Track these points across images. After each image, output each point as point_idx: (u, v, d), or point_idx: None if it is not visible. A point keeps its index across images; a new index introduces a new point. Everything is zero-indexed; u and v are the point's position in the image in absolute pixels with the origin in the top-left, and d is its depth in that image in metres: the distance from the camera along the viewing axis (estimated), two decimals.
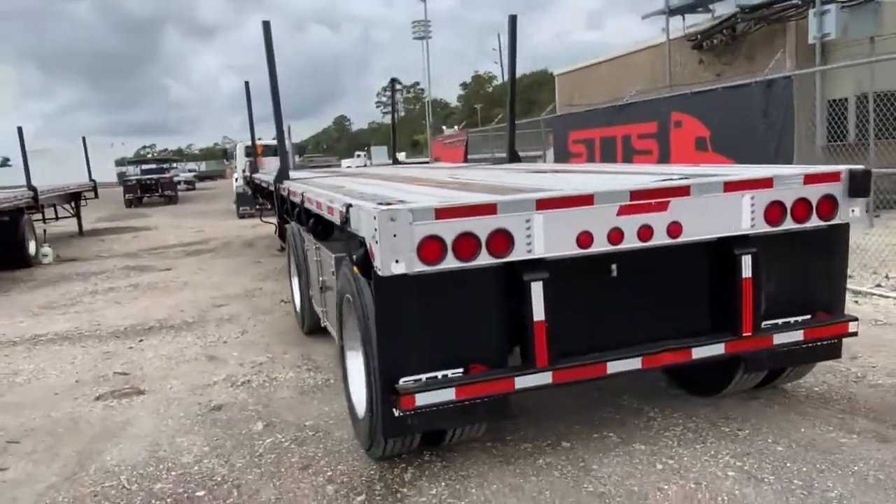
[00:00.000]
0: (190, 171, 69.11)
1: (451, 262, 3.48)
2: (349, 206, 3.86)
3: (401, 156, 60.87)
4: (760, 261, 4.10)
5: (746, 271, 4.04)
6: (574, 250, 3.69)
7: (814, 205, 4.08)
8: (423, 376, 3.64)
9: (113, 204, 32.21)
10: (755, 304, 4.08)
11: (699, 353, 4.06)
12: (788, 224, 4.06)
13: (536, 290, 3.67)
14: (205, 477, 4.13)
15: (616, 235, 3.74)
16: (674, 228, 3.83)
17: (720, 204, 3.92)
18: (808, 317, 4.28)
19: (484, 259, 3.54)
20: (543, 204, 3.62)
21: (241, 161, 28.39)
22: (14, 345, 7.69)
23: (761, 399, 4.76)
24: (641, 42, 20.79)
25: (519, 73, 11.54)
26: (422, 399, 3.56)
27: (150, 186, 34.66)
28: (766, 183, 4.00)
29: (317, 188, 6.08)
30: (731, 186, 3.94)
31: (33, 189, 15.18)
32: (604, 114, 13.10)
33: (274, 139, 30.95)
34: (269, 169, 22.36)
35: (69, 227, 20.44)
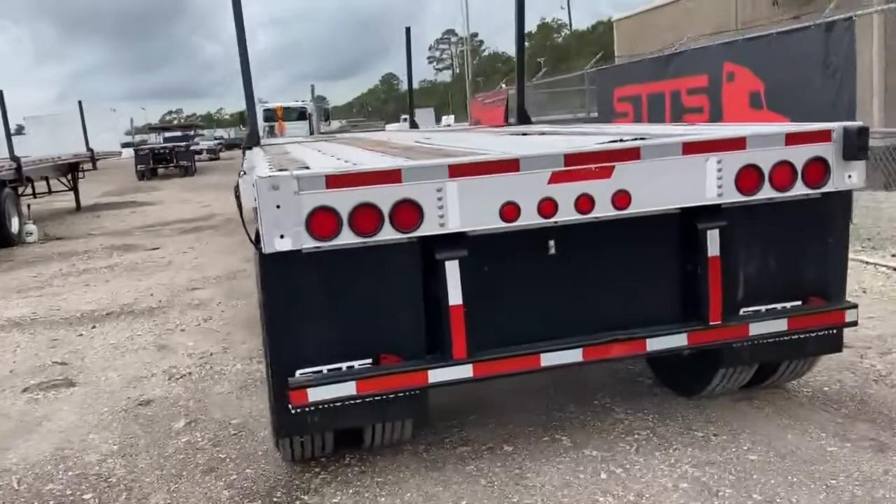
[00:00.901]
0: (216, 139, 70.59)
1: (348, 238, 3.48)
2: (242, 173, 3.90)
3: (450, 119, 61.01)
4: (733, 237, 3.97)
5: (713, 249, 3.92)
6: (497, 224, 3.64)
7: (799, 169, 3.92)
8: (325, 368, 3.66)
9: (127, 177, 33.24)
10: (725, 288, 3.97)
11: (656, 344, 3.97)
12: (767, 192, 3.91)
13: (452, 269, 3.64)
14: (100, 478, 4.27)
15: (548, 207, 3.66)
16: (620, 198, 3.74)
17: (678, 169, 3.80)
18: (799, 303, 4.14)
19: (388, 234, 3.52)
20: (457, 170, 3.57)
21: (259, 126, 28.95)
22: None
23: (755, 400, 4.64)
24: None
25: (592, 19, 11.31)
26: (315, 394, 3.58)
27: (164, 157, 35.25)
28: (737, 143, 3.86)
29: (261, 156, 6.14)
30: (691, 148, 3.82)
31: (16, 160, 15.75)
32: (651, 66, 12.81)
33: (299, 100, 31.49)
34: (291, 136, 22.73)
35: (70, 202, 21.21)
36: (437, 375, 3.70)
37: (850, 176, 3.99)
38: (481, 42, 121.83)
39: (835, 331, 4.20)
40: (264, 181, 3.37)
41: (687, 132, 4.15)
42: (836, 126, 3.96)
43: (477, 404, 4.83)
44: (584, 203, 3.70)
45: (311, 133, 26.13)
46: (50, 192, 19.59)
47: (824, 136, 3.95)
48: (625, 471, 3.90)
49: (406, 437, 4.18)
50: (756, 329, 4.04)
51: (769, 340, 4.10)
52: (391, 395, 3.72)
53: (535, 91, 18.93)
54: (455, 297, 3.66)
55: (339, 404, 3.65)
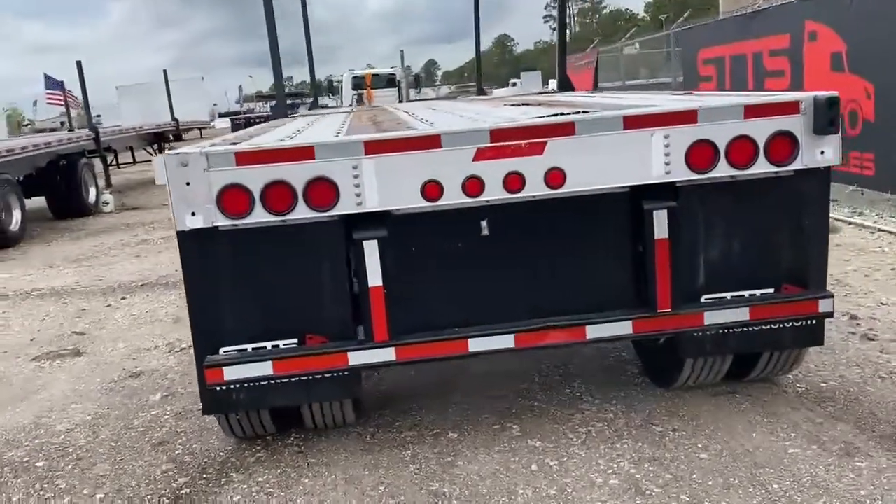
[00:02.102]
0: (323, 106, 72.41)
1: (261, 216, 3.59)
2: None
3: (555, 83, 60.16)
4: (691, 218, 3.85)
5: (660, 231, 3.81)
6: (420, 203, 3.67)
7: (761, 145, 3.75)
8: (250, 346, 3.81)
9: None
10: (681, 274, 3.85)
11: (596, 332, 3.90)
12: (724, 170, 3.77)
13: (371, 250, 3.70)
14: (60, 447, 4.59)
15: (474, 185, 3.66)
16: (553, 176, 3.69)
17: (619, 145, 3.72)
18: (771, 291, 3.98)
19: (303, 212, 3.61)
20: (374, 147, 3.62)
21: (347, 95, 29.40)
22: (4, 298, 8.72)
23: (738, 395, 4.49)
24: None
25: None
26: (232, 373, 3.73)
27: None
28: (686, 117, 3.73)
29: (265, 130, 6.32)
30: (634, 122, 3.72)
31: (94, 130, 16.70)
32: (734, 25, 12.30)
33: (392, 67, 31.81)
34: (379, 104, 23.02)
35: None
36: (357, 358, 3.78)
37: (822, 152, 3.79)
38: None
39: (813, 322, 4.01)
40: (172, 158, 3.52)
41: (639, 105, 4.03)
42: (804, 96, 3.76)
43: (446, 387, 4.89)
44: (514, 181, 3.68)
45: (400, 101, 26.34)
46: (135, 161, 20.66)
47: (791, 107, 3.76)
48: (560, 463, 3.88)
49: (349, 418, 4.29)
50: (712, 318, 3.91)
51: (737, 330, 3.97)
52: (317, 376, 3.83)
53: (622, 54, 18.49)
54: (374, 278, 3.72)
55: (264, 383, 3.80)
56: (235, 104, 78.45)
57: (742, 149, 3.75)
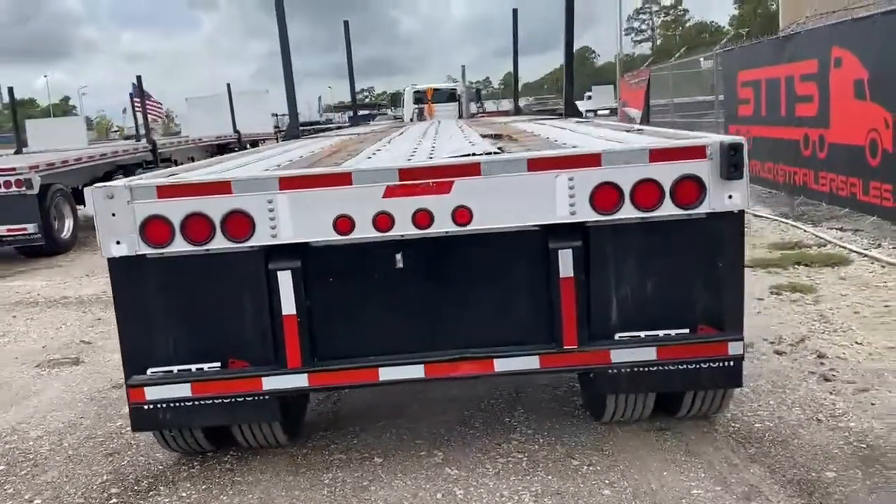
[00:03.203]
0: (395, 118, 73.45)
1: (181, 246, 3.84)
2: None
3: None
4: (601, 257, 3.94)
5: (565, 270, 3.91)
6: (332, 236, 3.86)
7: (667, 189, 3.82)
8: (176, 368, 4.05)
9: None
10: (579, 311, 3.94)
11: (505, 365, 4.02)
12: (630, 212, 3.85)
13: (285, 280, 3.90)
14: (24, 452, 4.92)
15: (384, 221, 3.84)
16: (461, 214, 3.84)
17: (525, 186, 3.84)
18: (686, 332, 4.02)
19: (221, 243, 3.85)
20: (288, 183, 3.83)
21: (408, 109, 29.83)
22: (33, 305, 9.25)
23: (669, 431, 4.52)
24: None
25: None
26: (153, 393, 3.98)
27: None
28: (590, 160, 3.83)
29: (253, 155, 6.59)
30: (538, 164, 3.84)
31: (152, 142, 17.41)
32: (769, 48, 12.13)
33: (455, 81, 32.06)
34: (441, 118, 23.33)
35: None
36: (271, 383, 3.99)
37: (730, 196, 3.84)
38: (685, 11, 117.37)
39: (730, 363, 4.04)
40: (99, 191, 3.80)
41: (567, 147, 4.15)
42: (711, 141, 3.82)
43: (395, 410, 5.06)
44: (423, 218, 3.83)
45: (460, 116, 26.62)
46: None
47: (697, 152, 3.82)
48: (465, 493, 4.00)
49: (280, 439, 4.49)
50: (619, 356, 3.98)
51: (651, 369, 4.03)
52: (239, 399, 4.04)
53: (669, 73, 18.34)
54: (288, 306, 3.92)
55: (189, 404, 4.03)
56: (317, 114, 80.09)
57: (647, 192, 3.82)
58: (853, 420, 4.53)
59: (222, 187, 3.82)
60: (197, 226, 3.82)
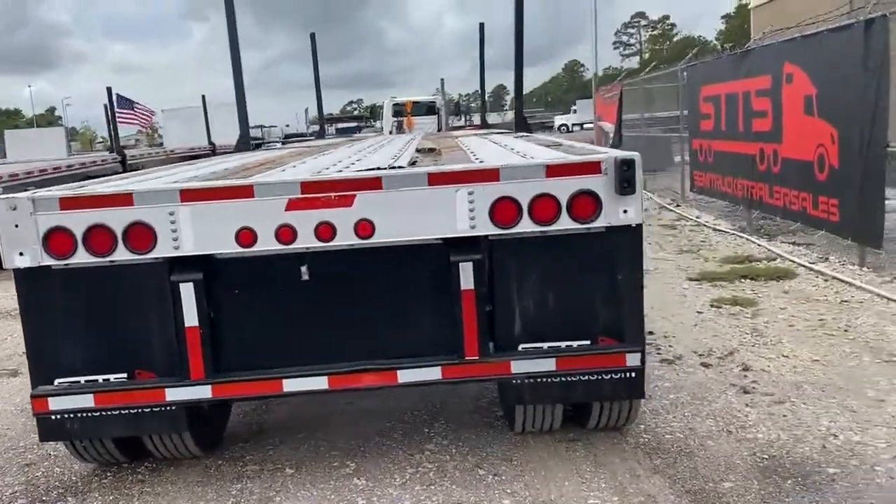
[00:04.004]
0: (377, 133, 73.72)
1: (84, 257, 3.89)
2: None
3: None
4: (503, 271, 4.00)
5: (466, 282, 3.97)
6: (234, 249, 3.91)
7: (563, 203, 3.89)
8: (83, 379, 4.08)
9: None
10: (480, 322, 4.00)
11: (408, 376, 4.07)
12: (528, 226, 3.92)
13: (187, 292, 3.95)
14: None
15: (286, 233, 3.89)
16: (363, 227, 3.90)
17: (426, 200, 3.90)
18: (588, 343, 4.09)
19: (123, 254, 3.89)
20: (190, 195, 3.88)
21: (387, 122, 29.92)
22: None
23: (580, 442, 4.58)
24: None
25: None
26: (56, 404, 4.02)
27: None
28: (489, 175, 3.90)
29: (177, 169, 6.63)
30: (438, 179, 3.91)
31: (121, 153, 17.42)
32: (728, 64, 12.27)
33: (433, 95, 32.19)
34: (419, 131, 23.41)
35: None
36: (174, 394, 4.03)
37: (625, 211, 3.91)
38: (672, 26, 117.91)
39: (631, 374, 4.10)
40: (2, 202, 3.84)
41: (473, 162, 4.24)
42: (606, 157, 3.90)
43: (317, 421, 5.10)
44: (325, 231, 3.89)
45: (440, 129, 26.73)
46: None
47: (593, 167, 3.90)
48: (367, 503, 4.04)
49: (192, 450, 4.51)
50: (520, 367, 4.04)
51: (554, 380, 4.09)
52: (146, 410, 4.08)
53: (639, 87, 18.51)
54: (191, 318, 3.96)
55: (96, 414, 4.06)
56: (304, 126, 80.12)
57: (545, 206, 3.89)
58: (761, 432, 4.60)
59: (124, 199, 3.87)
60: (99, 237, 3.87)
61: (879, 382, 5.26)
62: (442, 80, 34.65)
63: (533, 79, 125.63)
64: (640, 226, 3.99)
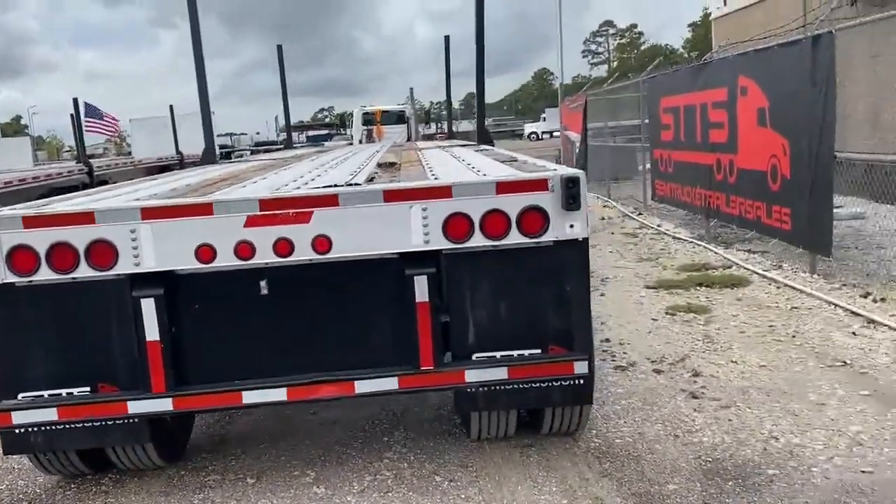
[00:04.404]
0: (348, 141, 73.80)
1: (46, 274, 3.99)
2: None
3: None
4: (455, 283, 4.15)
5: (421, 295, 4.12)
6: (194, 265, 4.04)
7: (513, 219, 4.06)
8: (47, 393, 4.17)
9: None
10: (434, 333, 4.15)
11: (365, 387, 4.21)
12: (480, 241, 4.08)
13: (148, 307, 4.06)
14: None
15: (245, 249, 4.02)
16: (320, 243, 4.04)
17: (381, 215, 4.05)
18: (538, 352, 4.25)
19: (86, 271, 4.00)
20: (150, 213, 4.01)
21: (357, 130, 30.02)
22: None
23: (535, 447, 4.74)
24: None
25: None
26: (20, 417, 4.11)
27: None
28: (442, 192, 4.06)
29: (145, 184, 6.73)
30: (393, 196, 4.06)
31: (87, 164, 17.37)
32: (686, 76, 12.56)
33: (402, 104, 32.34)
34: (389, 139, 23.52)
35: None
36: (136, 407, 4.14)
37: (571, 226, 4.08)
38: (640, 34, 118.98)
39: (580, 381, 4.27)
40: None
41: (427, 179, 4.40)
42: (553, 175, 4.07)
43: (281, 432, 5.22)
44: (283, 247, 4.03)
45: (409, 138, 26.89)
46: None
47: (540, 184, 4.07)
48: None
49: (156, 461, 4.61)
50: (473, 376, 4.20)
51: (506, 387, 4.25)
52: (109, 423, 4.17)
53: (603, 98, 18.82)
54: (152, 333, 4.08)
55: (59, 427, 4.15)
56: (275, 133, 79.96)
57: (495, 222, 4.06)
58: (707, 435, 4.79)
59: (86, 217, 3.98)
60: (62, 255, 3.97)
61: (822, 387, 5.48)
62: (411, 89, 34.89)
63: (503, 86, 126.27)
64: (586, 239, 4.16)
